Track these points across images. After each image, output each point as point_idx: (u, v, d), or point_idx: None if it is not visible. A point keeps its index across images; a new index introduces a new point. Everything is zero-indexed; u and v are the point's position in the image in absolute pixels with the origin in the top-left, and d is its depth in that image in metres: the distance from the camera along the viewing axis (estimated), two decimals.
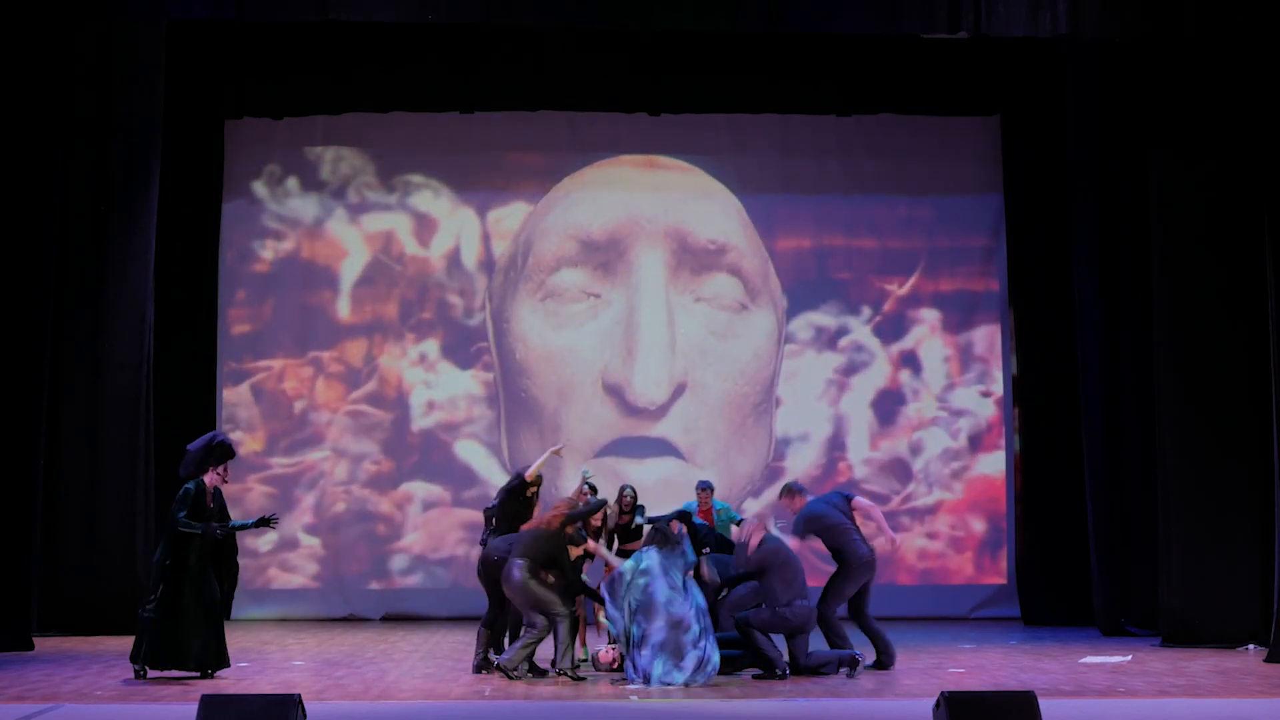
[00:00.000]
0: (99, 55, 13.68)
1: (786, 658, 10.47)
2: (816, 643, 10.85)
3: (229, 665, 10.30)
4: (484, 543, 11.22)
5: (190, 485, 10.25)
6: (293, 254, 15.83)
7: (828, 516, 11.04)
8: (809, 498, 11.34)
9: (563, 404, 15.69)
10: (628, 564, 10.34)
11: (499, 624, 10.94)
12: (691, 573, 10.36)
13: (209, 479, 10.31)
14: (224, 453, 10.39)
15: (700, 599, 10.25)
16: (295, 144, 15.83)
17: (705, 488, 12.63)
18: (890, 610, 15.04)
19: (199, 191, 15.30)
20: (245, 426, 15.46)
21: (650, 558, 10.23)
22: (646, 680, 9.95)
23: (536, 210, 15.95)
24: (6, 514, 12.25)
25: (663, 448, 15.56)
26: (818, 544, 11.17)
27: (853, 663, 10.44)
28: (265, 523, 10.46)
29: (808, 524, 11.03)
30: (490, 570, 10.73)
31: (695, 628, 10.07)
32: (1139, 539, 13.55)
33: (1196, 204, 12.71)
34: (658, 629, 10.03)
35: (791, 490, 11.40)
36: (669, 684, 9.90)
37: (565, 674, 10.24)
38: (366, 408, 15.73)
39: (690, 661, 9.99)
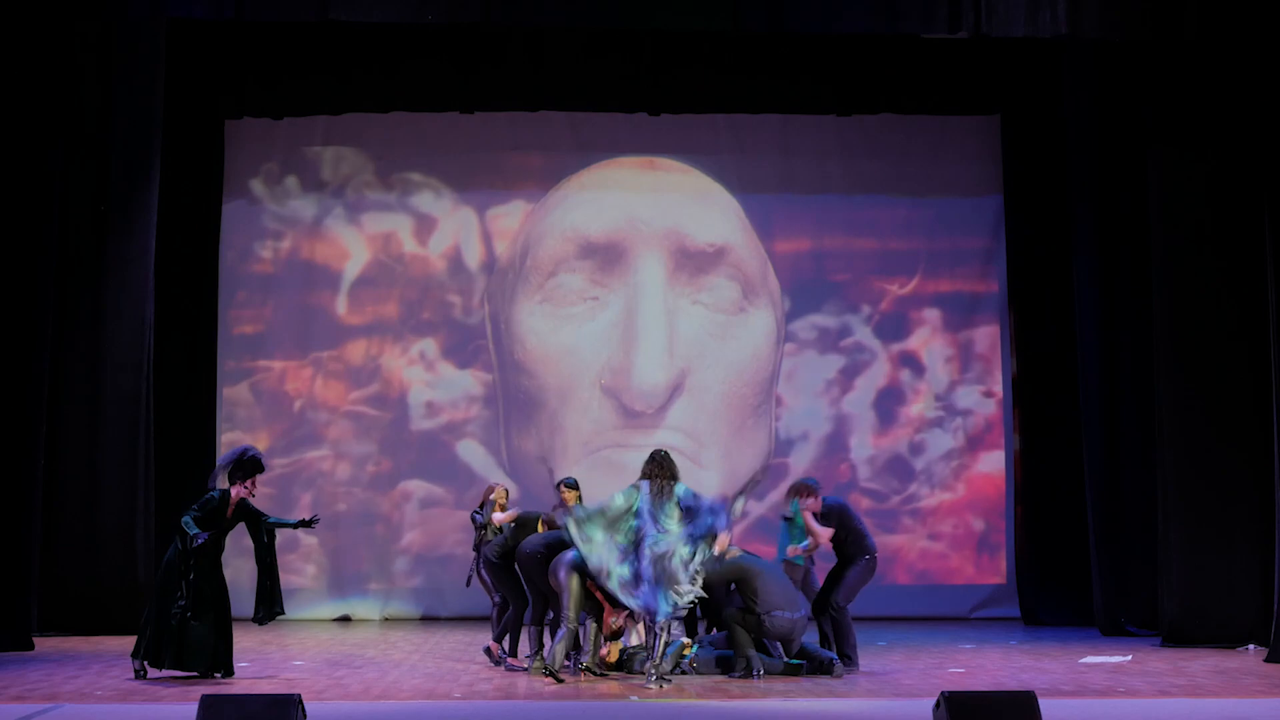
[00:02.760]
0: (99, 55, 13.68)
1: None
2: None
3: (233, 674, 10.28)
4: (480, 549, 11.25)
5: (214, 493, 10.29)
6: (293, 254, 15.83)
7: (848, 509, 11.14)
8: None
9: (562, 405, 15.70)
10: (618, 499, 10.15)
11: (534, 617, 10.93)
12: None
13: (235, 491, 10.32)
14: (253, 467, 10.39)
15: (690, 531, 10.07)
16: (295, 144, 15.83)
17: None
18: (890, 610, 15.10)
19: (199, 191, 15.30)
20: (245, 426, 15.46)
21: (643, 499, 10.10)
22: (650, 616, 9.91)
23: (535, 211, 15.96)
24: (6, 514, 12.25)
25: (669, 429, 15.59)
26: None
27: (830, 667, 10.45)
28: (306, 524, 10.51)
29: (835, 513, 11.06)
30: (528, 566, 10.71)
31: (683, 550, 9.97)
32: (1139, 539, 13.55)
33: (1196, 203, 12.72)
34: (646, 566, 9.94)
35: (810, 489, 11.34)
36: (670, 612, 9.89)
37: (590, 670, 10.30)
38: (366, 408, 15.74)
39: (685, 583, 9.93)
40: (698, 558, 10.04)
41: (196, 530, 10.13)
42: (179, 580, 10.14)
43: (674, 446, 15.34)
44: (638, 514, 10.10)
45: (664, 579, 9.96)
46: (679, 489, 10.21)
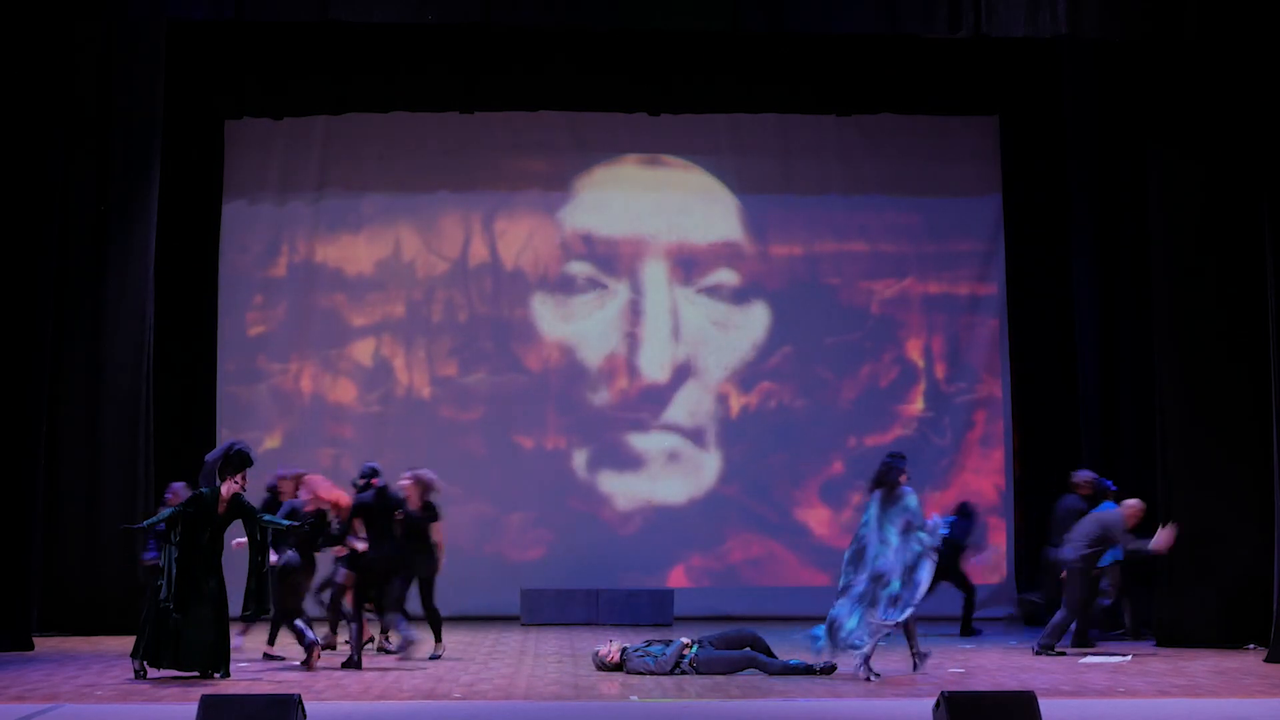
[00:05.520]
0: (99, 55, 13.65)
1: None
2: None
3: (229, 675, 10.27)
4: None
5: (205, 489, 10.29)
6: (292, 255, 15.82)
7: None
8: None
9: (571, 392, 15.80)
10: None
11: None
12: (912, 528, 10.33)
13: (225, 487, 10.31)
14: (241, 461, 10.40)
15: (910, 559, 10.23)
16: (295, 144, 15.81)
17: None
18: None
19: (199, 191, 15.30)
20: (245, 427, 15.41)
21: (873, 509, 10.38)
22: (832, 630, 10.14)
23: (539, 211, 15.96)
24: (6, 514, 12.24)
25: (668, 429, 15.73)
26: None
27: (831, 668, 10.50)
28: (298, 529, 10.56)
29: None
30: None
31: (895, 584, 10.16)
32: (1138, 538, 13.53)
33: (1196, 203, 12.71)
34: (860, 580, 10.21)
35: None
36: (855, 646, 10.10)
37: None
38: (369, 407, 15.74)
39: (878, 617, 10.11)
40: (903, 595, 10.18)
41: (144, 524, 10.24)
42: (188, 580, 10.15)
43: (679, 425, 15.67)
44: (865, 523, 10.38)
45: (867, 600, 10.15)
46: (909, 499, 10.37)
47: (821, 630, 10.26)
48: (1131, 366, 13.75)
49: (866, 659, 10.17)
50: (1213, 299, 12.64)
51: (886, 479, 10.39)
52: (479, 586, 15.26)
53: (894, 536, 10.24)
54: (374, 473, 11.36)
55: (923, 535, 10.23)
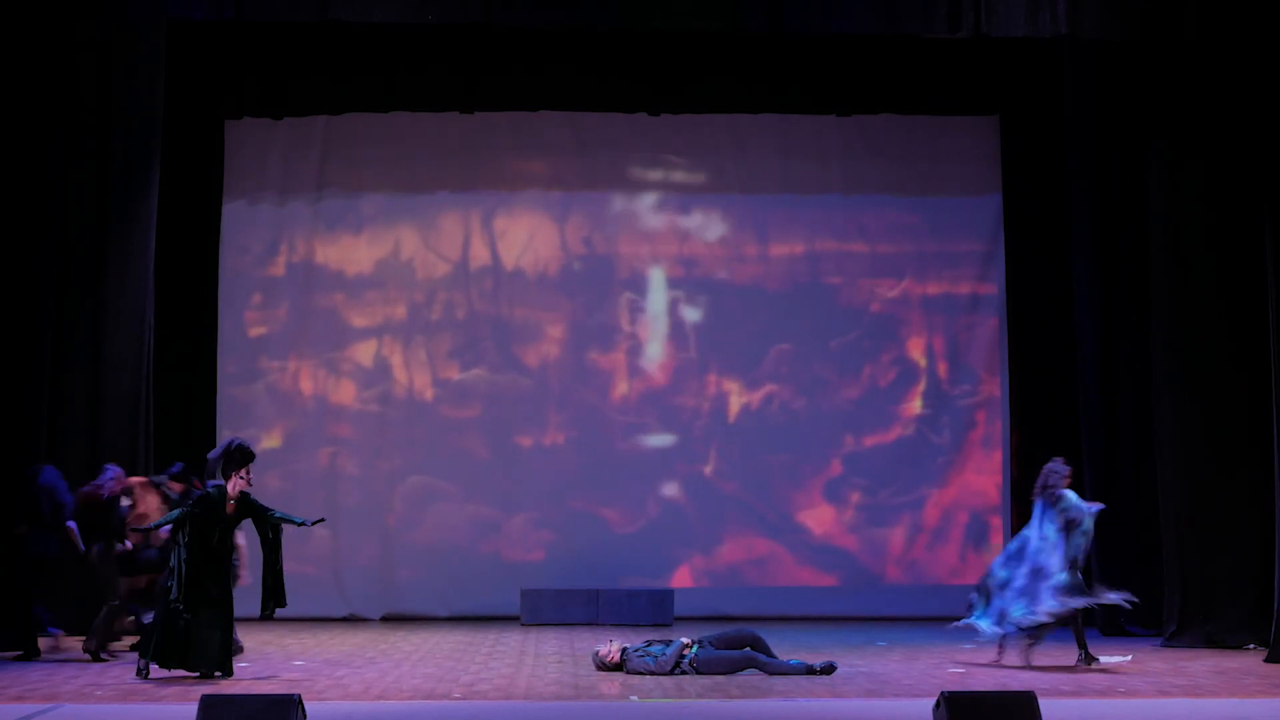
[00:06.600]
0: (99, 56, 13.65)
1: None
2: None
3: (232, 674, 10.27)
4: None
5: (210, 488, 10.28)
6: (292, 255, 15.82)
7: None
8: None
9: (571, 392, 15.78)
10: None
11: None
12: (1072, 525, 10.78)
13: (231, 485, 10.29)
14: (243, 457, 10.35)
15: (1060, 556, 10.72)
16: (295, 144, 15.81)
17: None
18: (889, 610, 15.14)
19: (199, 191, 15.29)
20: (245, 427, 15.41)
21: (1036, 508, 10.97)
22: (1000, 620, 10.85)
23: (539, 211, 15.96)
24: (7, 513, 12.23)
25: (668, 429, 15.75)
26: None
27: (831, 668, 10.54)
28: (310, 524, 10.57)
29: None
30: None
31: (1060, 576, 10.67)
32: (1138, 538, 13.55)
33: (1196, 203, 12.72)
34: (1021, 574, 10.84)
35: None
36: (1026, 624, 10.73)
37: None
38: (369, 407, 15.74)
39: (1045, 606, 10.65)
40: (1071, 586, 10.69)
41: (150, 527, 10.33)
42: (195, 580, 10.15)
43: (678, 423, 15.68)
44: (1029, 524, 10.98)
45: (1028, 593, 10.73)
46: (1068, 499, 10.83)
47: (987, 623, 10.96)
48: (1131, 366, 13.75)
49: (1028, 643, 10.85)
50: (1213, 299, 12.64)
51: (1047, 484, 10.90)
52: (479, 586, 15.27)
53: (1053, 533, 10.77)
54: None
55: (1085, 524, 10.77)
